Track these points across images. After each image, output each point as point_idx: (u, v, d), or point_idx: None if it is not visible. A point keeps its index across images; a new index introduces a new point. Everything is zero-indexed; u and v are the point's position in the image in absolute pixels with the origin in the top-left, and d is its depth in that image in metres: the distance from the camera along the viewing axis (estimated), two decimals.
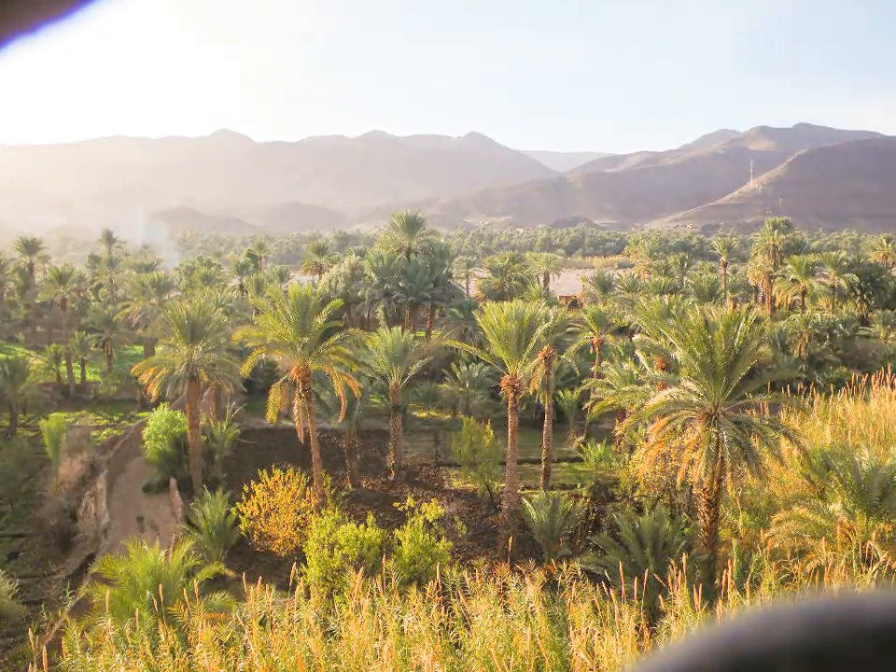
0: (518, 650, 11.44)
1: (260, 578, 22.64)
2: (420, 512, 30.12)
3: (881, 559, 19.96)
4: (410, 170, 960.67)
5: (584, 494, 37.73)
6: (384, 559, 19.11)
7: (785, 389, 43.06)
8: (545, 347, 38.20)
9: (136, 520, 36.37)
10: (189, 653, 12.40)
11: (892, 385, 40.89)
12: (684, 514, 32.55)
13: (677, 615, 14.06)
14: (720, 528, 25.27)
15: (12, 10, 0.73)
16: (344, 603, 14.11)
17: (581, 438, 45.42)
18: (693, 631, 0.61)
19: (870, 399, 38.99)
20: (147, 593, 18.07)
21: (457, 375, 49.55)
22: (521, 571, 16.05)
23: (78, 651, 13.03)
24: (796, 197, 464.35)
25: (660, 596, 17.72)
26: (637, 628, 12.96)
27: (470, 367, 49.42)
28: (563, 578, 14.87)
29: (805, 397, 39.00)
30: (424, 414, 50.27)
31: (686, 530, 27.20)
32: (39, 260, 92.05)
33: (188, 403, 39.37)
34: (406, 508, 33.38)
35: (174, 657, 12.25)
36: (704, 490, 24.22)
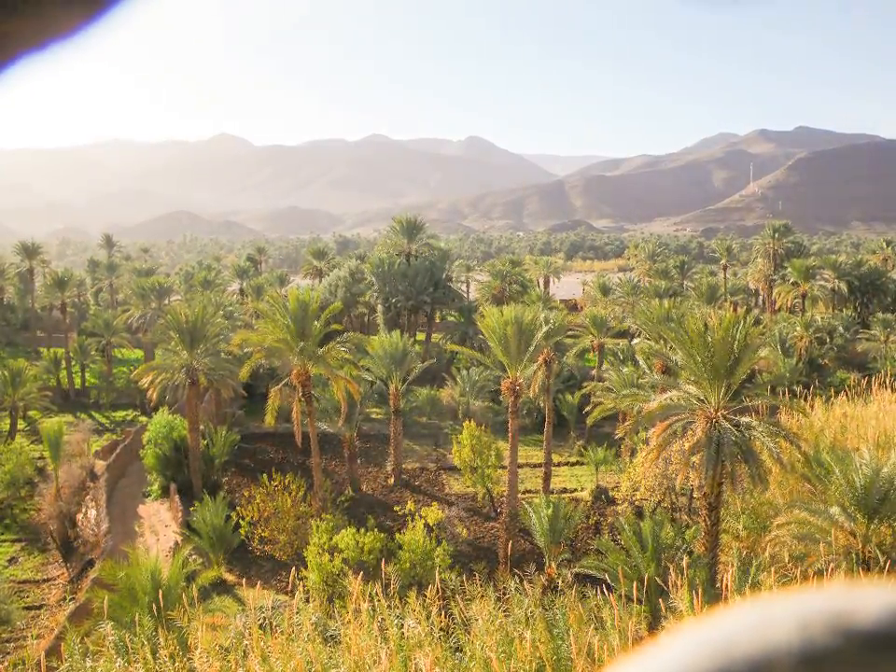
0: (518, 654, 11.43)
1: (260, 582, 22.63)
2: (420, 517, 30.10)
3: (881, 563, 19.94)
4: (410, 174, 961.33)
5: (585, 498, 37.72)
6: (383, 563, 19.09)
7: (785, 392, 43.06)
8: (545, 351, 38.21)
9: (136, 525, 36.33)
10: (188, 659, 12.38)
11: (892, 389, 40.87)
12: (685, 518, 32.55)
13: (678, 619, 14.05)
14: (720, 532, 25.24)
15: (21, 28, 0.73)
16: (344, 607, 14.10)
17: (582, 441, 45.40)
18: (683, 631, 0.60)
19: (870, 402, 38.97)
20: (147, 598, 18.04)
21: (458, 379, 49.54)
22: (521, 575, 16.03)
23: (78, 657, 13.01)
24: (796, 200, 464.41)
25: (661, 600, 17.70)
26: (637, 632, 12.94)
27: (471, 371, 49.41)
28: (563, 582, 14.85)
29: (804, 400, 38.97)
30: (424, 418, 50.24)
31: (687, 534, 27.17)
32: (39, 265, 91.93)
33: (187, 408, 39.34)
34: (406, 512, 33.36)
35: (174, 662, 12.23)
36: (704, 493, 24.20)
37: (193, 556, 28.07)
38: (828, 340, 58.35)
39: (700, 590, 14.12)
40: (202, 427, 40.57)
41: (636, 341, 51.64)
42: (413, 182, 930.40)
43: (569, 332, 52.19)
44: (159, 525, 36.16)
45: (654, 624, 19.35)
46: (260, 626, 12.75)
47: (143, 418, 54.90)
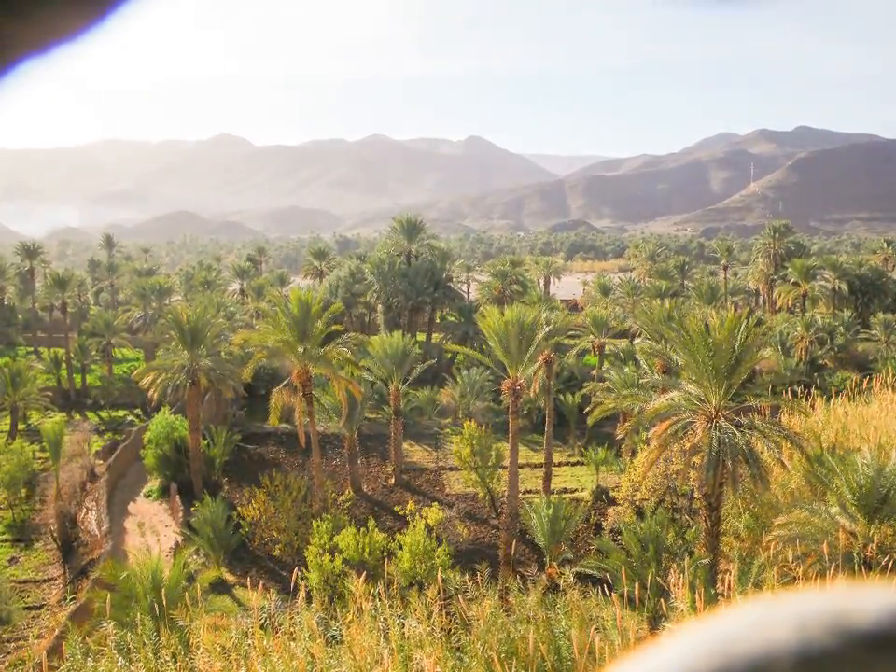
0: (519, 654, 11.42)
1: (261, 582, 22.61)
2: (421, 517, 30.11)
3: (882, 563, 19.92)
4: (410, 173, 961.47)
5: (585, 498, 37.72)
6: (385, 563, 19.11)
7: (785, 392, 43.02)
8: (546, 351, 38.20)
9: (137, 525, 36.35)
10: (190, 658, 12.37)
11: (893, 389, 40.82)
12: (686, 518, 32.53)
13: (678, 619, 14.03)
14: (721, 532, 25.23)
15: (25, 31, 0.73)
16: (345, 607, 14.10)
17: (582, 442, 45.39)
18: (684, 631, 0.60)
19: (871, 402, 38.94)
20: (148, 598, 18.05)
21: (458, 379, 49.55)
22: (522, 575, 16.05)
23: (79, 656, 13.00)
24: (797, 200, 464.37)
25: (661, 600, 17.70)
26: (638, 632, 12.93)
27: (471, 371, 49.43)
28: (564, 582, 14.85)
29: (805, 400, 38.95)
30: (424, 419, 50.27)
31: (688, 534, 27.19)
32: (40, 265, 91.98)
33: (188, 408, 39.34)
34: (407, 512, 33.38)
35: (175, 662, 12.23)
36: (705, 494, 24.19)
37: (193, 556, 28.09)
38: (828, 340, 58.30)
39: (701, 590, 14.12)
40: (202, 427, 40.58)
41: (636, 341, 51.65)
42: (413, 182, 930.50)
43: (570, 332, 52.22)
44: (159, 525, 36.18)
45: (655, 625, 19.35)
46: (262, 626, 12.75)
47: (138, 421, 54.94)
